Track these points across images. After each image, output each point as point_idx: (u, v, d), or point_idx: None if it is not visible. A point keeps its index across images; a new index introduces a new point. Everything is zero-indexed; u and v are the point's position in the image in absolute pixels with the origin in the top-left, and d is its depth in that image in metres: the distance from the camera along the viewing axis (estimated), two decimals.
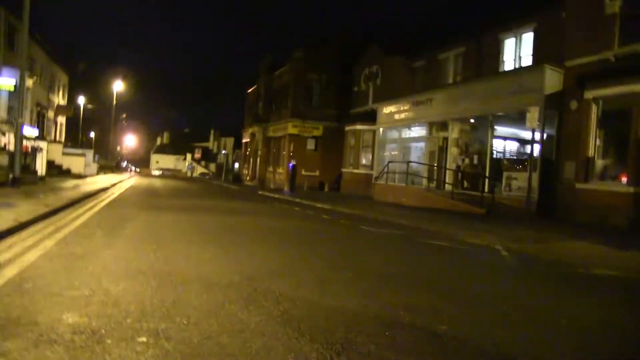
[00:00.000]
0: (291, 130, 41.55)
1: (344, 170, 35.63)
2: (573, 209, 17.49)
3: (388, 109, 29.84)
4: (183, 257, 6.84)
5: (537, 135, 19.35)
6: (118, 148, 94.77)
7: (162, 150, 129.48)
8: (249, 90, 58.81)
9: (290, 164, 34.07)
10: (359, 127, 33.76)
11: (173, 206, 16.44)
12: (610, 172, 16.99)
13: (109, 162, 62.18)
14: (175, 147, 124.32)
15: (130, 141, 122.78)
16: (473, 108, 22.61)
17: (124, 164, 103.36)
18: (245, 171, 59.64)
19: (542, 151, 19.00)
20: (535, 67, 19.52)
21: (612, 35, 17.17)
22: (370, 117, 32.51)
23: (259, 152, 50.99)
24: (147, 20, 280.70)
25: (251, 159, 55.65)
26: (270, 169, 48.06)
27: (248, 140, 57.27)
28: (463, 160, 23.45)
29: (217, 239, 8.99)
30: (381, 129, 30.78)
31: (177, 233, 9.39)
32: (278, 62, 47.90)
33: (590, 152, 16.95)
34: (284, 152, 43.25)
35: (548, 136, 19.10)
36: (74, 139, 67.10)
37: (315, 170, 41.51)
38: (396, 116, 28.95)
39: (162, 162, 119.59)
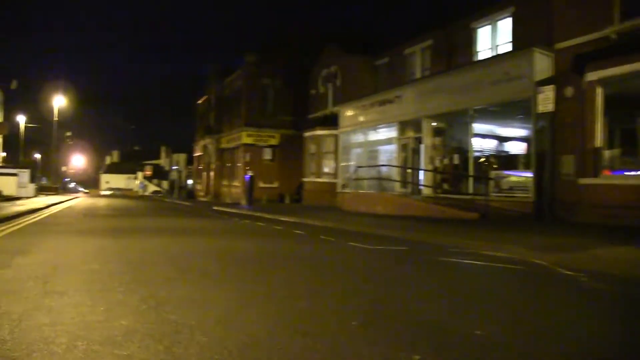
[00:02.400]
0: (246, 139, 38.75)
1: (305, 179, 33.01)
2: (575, 209, 15.26)
3: (351, 111, 27.46)
4: (79, 327, 3.74)
5: (523, 132, 17.15)
6: (64, 168, 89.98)
7: (112, 169, 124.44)
8: (199, 101, 55.65)
9: (247, 176, 31.32)
10: (319, 132, 31.23)
11: (105, 228, 13.29)
12: (619, 164, 14.84)
13: (53, 184, 58.01)
14: (126, 166, 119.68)
15: (78, 161, 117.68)
16: (449, 103, 20.33)
17: (72, 185, 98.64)
18: (199, 186, 56.37)
19: (535, 145, 16.74)
20: (521, 51, 17.28)
21: (611, 10, 15.15)
22: (331, 122, 30.10)
23: (212, 166, 47.93)
24: (91, 36, 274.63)
25: (204, 174, 52.47)
26: (225, 182, 45.07)
27: (200, 153, 54.09)
28: (441, 160, 21.11)
29: (155, 278, 5.97)
30: (344, 133, 28.35)
31: (88, 273, 6.23)
32: (229, 69, 45.07)
33: (597, 142, 14.73)
34: (239, 164, 40.38)
35: (540, 129, 16.87)
36: (16, 160, 62.84)
37: (274, 181, 38.84)
38: (360, 118, 26.56)
39: (112, 181, 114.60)
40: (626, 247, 9.17)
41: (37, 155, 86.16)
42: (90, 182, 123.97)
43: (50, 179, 61.22)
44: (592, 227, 13.13)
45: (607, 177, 14.52)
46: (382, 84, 28.60)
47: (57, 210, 22.03)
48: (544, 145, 16.68)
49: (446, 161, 20.88)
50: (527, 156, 17.88)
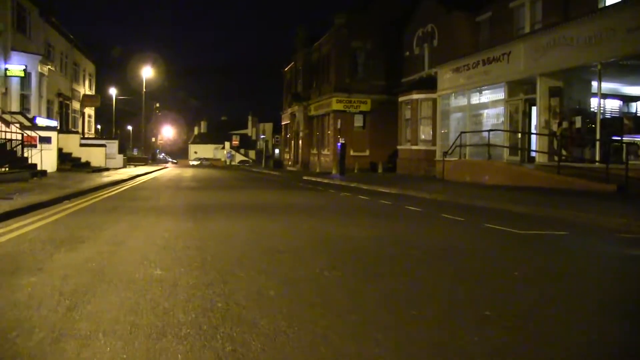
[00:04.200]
0: (335, 106, 37.05)
1: (399, 147, 31.05)
2: None
3: (450, 72, 25.23)
4: None
5: None
6: (153, 139, 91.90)
7: (200, 140, 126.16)
8: (286, 69, 54.42)
9: (339, 144, 29.67)
10: (415, 96, 29.09)
11: (186, 205, 11.68)
12: None
13: (143, 154, 58.87)
14: (214, 136, 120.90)
15: (167, 132, 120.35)
16: (569, 58, 17.82)
17: (162, 155, 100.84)
18: (286, 156, 55.51)
19: None
20: None
21: None
22: (428, 84, 27.98)
23: (301, 134, 46.71)
24: (175, 7, 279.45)
25: (292, 142, 51.43)
26: (314, 151, 43.76)
27: (288, 122, 53.05)
28: (560, 124, 18.67)
29: (244, 301, 3.85)
30: (443, 97, 26.15)
31: (142, 287, 4.22)
32: (317, 33, 43.43)
33: None
34: (329, 132, 38.89)
35: None
36: (109, 131, 64.29)
37: (365, 149, 37.09)
38: (461, 79, 24.29)
39: (200, 152, 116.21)
40: None
41: (129, 127, 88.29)
42: (179, 153, 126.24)
43: (141, 151, 62.20)
44: None
45: None
46: (485, 42, 26.10)
47: (141, 181, 21.18)
48: None
49: (565, 124, 18.41)
50: None
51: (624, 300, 4.30)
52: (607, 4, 18.64)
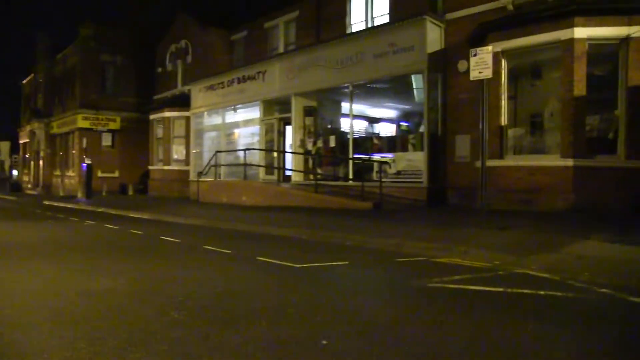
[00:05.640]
0: (81, 123, 33.82)
1: (151, 167, 29.27)
2: (473, 194, 13.62)
3: (204, 90, 24.44)
4: None
5: (393, 113, 15.44)
6: None
7: None
8: (25, 81, 48.99)
9: (84, 165, 26.92)
10: (167, 114, 27.63)
11: None
12: (528, 143, 13.41)
13: None
14: None
15: None
16: (324, 79, 18.06)
17: None
18: (26, 178, 49.75)
19: (428, 125, 14.97)
20: (411, 20, 15.28)
21: None
22: (182, 102, 26.84)
23: (42, 154, 42.14)
24: None
25: (32, 163, 46.23)
26: (58, 172, 39.62)
27: (27, 140, 47.63)
28: (315, 142, 18.85)
29: None
30: (196, 115, 25.26)
31: None
32: (62, 43, 39.57)
33: (502, 120, 13.14)
34: (74, 151, 35.45)
35: (432, 107, 15.18)
36: None
37: (114, 170, 34.44)
38: (216, 97, 23.61)
39: None
40: (594, 241, 7.37)
41: None
42: None
43: None
44: (514, 215, 11.29)
45: (516, 158, 12.96)
46: (240, 61, 25.78)
47: None
48: (435, 124, 15.08)
49: (320, 143, 18.65)
50: (416, 137, 16.08)
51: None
52: (353, 31, 19.36)
